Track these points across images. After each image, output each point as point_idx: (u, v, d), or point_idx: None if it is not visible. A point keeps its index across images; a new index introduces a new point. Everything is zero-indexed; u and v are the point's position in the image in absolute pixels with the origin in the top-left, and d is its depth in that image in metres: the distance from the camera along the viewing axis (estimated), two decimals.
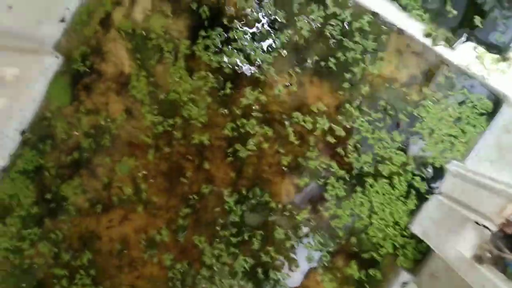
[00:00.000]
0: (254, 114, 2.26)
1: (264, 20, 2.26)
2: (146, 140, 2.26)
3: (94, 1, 2.24)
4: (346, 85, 2.23)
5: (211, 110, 2.26)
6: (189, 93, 2.25)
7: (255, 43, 2.26)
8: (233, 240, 2.24)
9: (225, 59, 2.25)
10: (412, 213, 2.22)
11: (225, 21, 2.24)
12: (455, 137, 2.21)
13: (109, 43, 2.29)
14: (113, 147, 2.28)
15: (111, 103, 2.27)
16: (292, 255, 2.28)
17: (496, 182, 1.85)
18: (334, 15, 2.20)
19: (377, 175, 2.25)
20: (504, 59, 2.14)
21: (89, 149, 2.27)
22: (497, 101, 2.18)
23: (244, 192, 2.26)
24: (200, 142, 2.25)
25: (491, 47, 2.17)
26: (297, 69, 2.25)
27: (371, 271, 2.23)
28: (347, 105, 2.24)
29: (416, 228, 2.20)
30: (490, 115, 2.19)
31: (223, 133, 2.26)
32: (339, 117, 2.26)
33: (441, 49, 2.17)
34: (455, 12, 2.16)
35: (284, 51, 2.25)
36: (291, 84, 2.26)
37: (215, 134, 2.26)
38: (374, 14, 2.17)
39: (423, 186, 2.22)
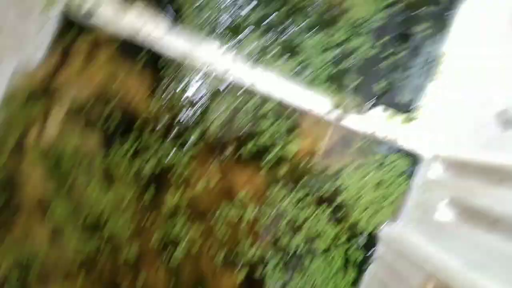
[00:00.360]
0: (182, 213, 2.25)
1: (177, 120, 2.30)
2: (75, 263, 2.20)
3: (3, 130, 2.24)
4: (266, 168, 2.28)
5: (138, 217, 2.22)
6: (112, 205, 2.22)
7: (171, 143, 2.26)
8: None
9: (143, 164, 2.23)
10: (354, 285, 2.23)
11: (138, 127, 2.24)
12: (380, 201, 2.26)
13: (25, 168, 2.26)
14: (43, 277, 2.21)
15: (35, 232, 2.21)
16: None
17: (418, 251, 1.88)
18: (242, 105, 2.27)
19: (313, 252, 2.25)
20: (411, 119, 2.23)
21: (17, 284, 2.19)
22: (413, 160, 2.25)
23: None
24: (132, 254, 2.20)
25: (398, 109, 2.26)
26: (217, 161, 2.27)
27: None
28: (271, 188, 2.27)
29: None
30: (409, 174, 2.25)
31: (154, 238, 2.22)
32: (266, 201, 2.28)
33: (352, 118, 2.25)
34: (359, 80, 2.26)
35: (201, 146, 2.29)
36: (213, 177, 2.29)
37: (146, 241, 2.22)
38: (281, 98, 2.24)
39: (359, 256, 2.23)
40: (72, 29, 2.22)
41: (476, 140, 1.93)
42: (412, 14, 2.19)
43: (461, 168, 1.94)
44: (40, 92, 2.27)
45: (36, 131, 2.28)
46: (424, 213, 2.01)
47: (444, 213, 1.86)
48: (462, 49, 2.16)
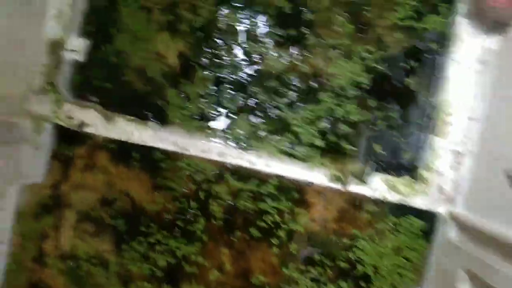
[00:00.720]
0: None
1: (182, 210, 2.28)
2: None
3: (18, 248, 2.32)
4: (278, 245, 2.22)
5: None
6: None
7: (180, 234, 2.25)
8: None
9: (154, 264, 2.24)
10: None
11: (145, 223, 2.27)
12: (401, 267, 2.14)
13: (47, 278, 2.34)
14: None
15: None
16: None
17: None
18: (243, 186, 2.24)
19: None
20: (417, 178, 2.11)
21: None
22: (429, 220, 2.11)
23: None
24: None
25: (401, 170, 2.14)
26: (228, 244, 2.25)
27: None
28: (287, 265, 2.23)
29: None
30: (427, 233, 2.12)
31: None
32: (284, 279, 2.23)
33: (358, 184, 2.16)
34: (354, 147, 2.18)
35: (209, 232, 2.27)
36: (226, 261, 2.25)
37: None
38: (281, 174, 2.18)
39: None
40: (68, 139, 2.30)
41: (488, 201, 1.79)
42: (398, 68, 2.10)
43: (474, 233, 1.80)
44: (48, 204, 2.36)
45: (51, 242, 2.36)
46: (445, 281, 1.89)
47: (463, 284, 1.74)
48: (465, 97, 2.03)
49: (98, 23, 2.24)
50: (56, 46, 2.11)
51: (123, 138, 2.14)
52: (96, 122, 2.12)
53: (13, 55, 1.87)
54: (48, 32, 2.09)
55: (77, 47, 2.12)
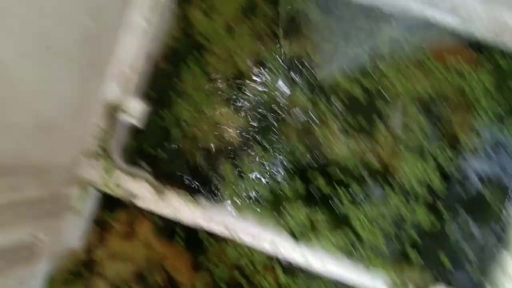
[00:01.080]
0: None
1: None
2: None
3: None
4: None
5: None
6: None
7: None
8: None
9: None
10: None
11: None
12: None
13: None
14: None
15: None
16: None
17: None
18: (289, 285, 2.04)
19: None
20: None
21: None
22: None
23: None
24: None
25: (466, 285, 1.97)
26: None
27: None
28: None
29: None
30: None
31: None
32: None
33: None
34: (419, 255, 2.02)
35: None
36: None
37: None
38: (335, 276, 1.97)
39: None
40: (110, 206, 2.17)
41: None
42: (473, 174, 1.94)
43: None
44: (80, 271, 2.21)
45: None
46: None
47: None
48: None
49: (159, 87, 2.13)
50: (113, 109, 1.99)
51: (171, 215, 2.00)
52: (145, 195, 1.98)
53: (69, 121, 1.74)
54: (106, 94, 1.99)
55: (135, 112, 2.01)
